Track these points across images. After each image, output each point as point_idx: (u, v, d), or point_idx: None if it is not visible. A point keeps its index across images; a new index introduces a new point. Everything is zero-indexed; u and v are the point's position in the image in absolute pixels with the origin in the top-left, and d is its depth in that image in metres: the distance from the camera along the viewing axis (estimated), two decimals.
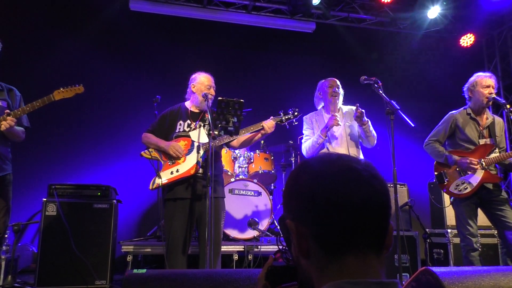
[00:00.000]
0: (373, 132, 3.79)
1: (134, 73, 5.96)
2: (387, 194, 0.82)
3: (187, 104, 3.67)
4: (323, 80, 4.02)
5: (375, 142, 3.83)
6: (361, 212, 0.77)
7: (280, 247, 1.05)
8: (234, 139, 3.53)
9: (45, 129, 5.24)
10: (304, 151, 3.93)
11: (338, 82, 3.96)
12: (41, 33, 5.61)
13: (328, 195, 0.77)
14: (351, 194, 0.77)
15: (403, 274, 3.83)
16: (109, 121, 5.79)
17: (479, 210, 3.68)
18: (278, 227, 1.07)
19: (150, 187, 3.36)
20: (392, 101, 3.23)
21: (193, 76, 3.66)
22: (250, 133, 3.50)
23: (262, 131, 3.47)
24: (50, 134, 5.44)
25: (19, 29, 5.39)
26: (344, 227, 0.77)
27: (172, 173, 3.36)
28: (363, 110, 3.71)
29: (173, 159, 3.41)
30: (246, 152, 5.25)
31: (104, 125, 5.76)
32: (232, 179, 4.87)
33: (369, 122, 3.76)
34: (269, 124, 3.45)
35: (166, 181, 3.34)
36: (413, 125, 3.23)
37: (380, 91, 3.34)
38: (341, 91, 3.95)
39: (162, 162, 3.45)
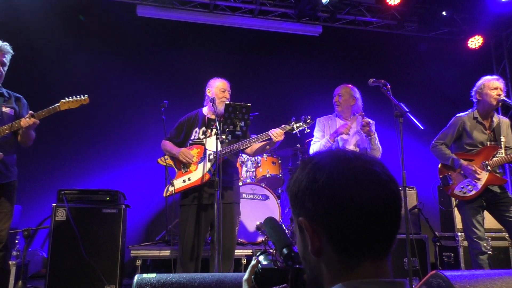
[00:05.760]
0: (379, 145, 3.76)
1: (142, 78, 5.99)
2: (401, 197, 0.82)
3: (204, 110, 3.68)
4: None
5: (380, 155, 3.79)
6: (381, 216, 0.77)
7: (268, 249, 1.03)
8: (248, 147, 3.51)
9: (54, 134, 5.28)
10: (311, 153, 3.93)
11: (344, 91, 3.89)
12: (48, 40, 5.66)
13: (350, 197, 0.76)
14: (372, 198, 0.76)
15: (413, 277, 3.80)
16: (117, 126, 5.81)
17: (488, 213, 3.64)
18: (264, 229, 1.03)
19: (164, 194, 3.45)
20: (401, 103, 3.21)
21: (209, 82, 3.68)
22: (262, 141, 3.47)
23: (272, 141, 3.40)
24: (58, 139, 5.47)
25: (26, 37, 5.44)
26: (362, 231, 0.76)
27: (184, 181, 3.43)
28: (370, 121, 3.69)
29: (186, 166, 3.43)
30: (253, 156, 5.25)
31: (112, 130, 5.79)
32: (240, 183, 4.86)
33: (376, 135, 3.73)
34: (275, 133, 3.35)
35: (178, 189, 3.42)
36: (422, 128, 3.20)
37: (389, 94, 3.33)
38: (350, 97, 3.86)
39: (176, 170, 3.51)
